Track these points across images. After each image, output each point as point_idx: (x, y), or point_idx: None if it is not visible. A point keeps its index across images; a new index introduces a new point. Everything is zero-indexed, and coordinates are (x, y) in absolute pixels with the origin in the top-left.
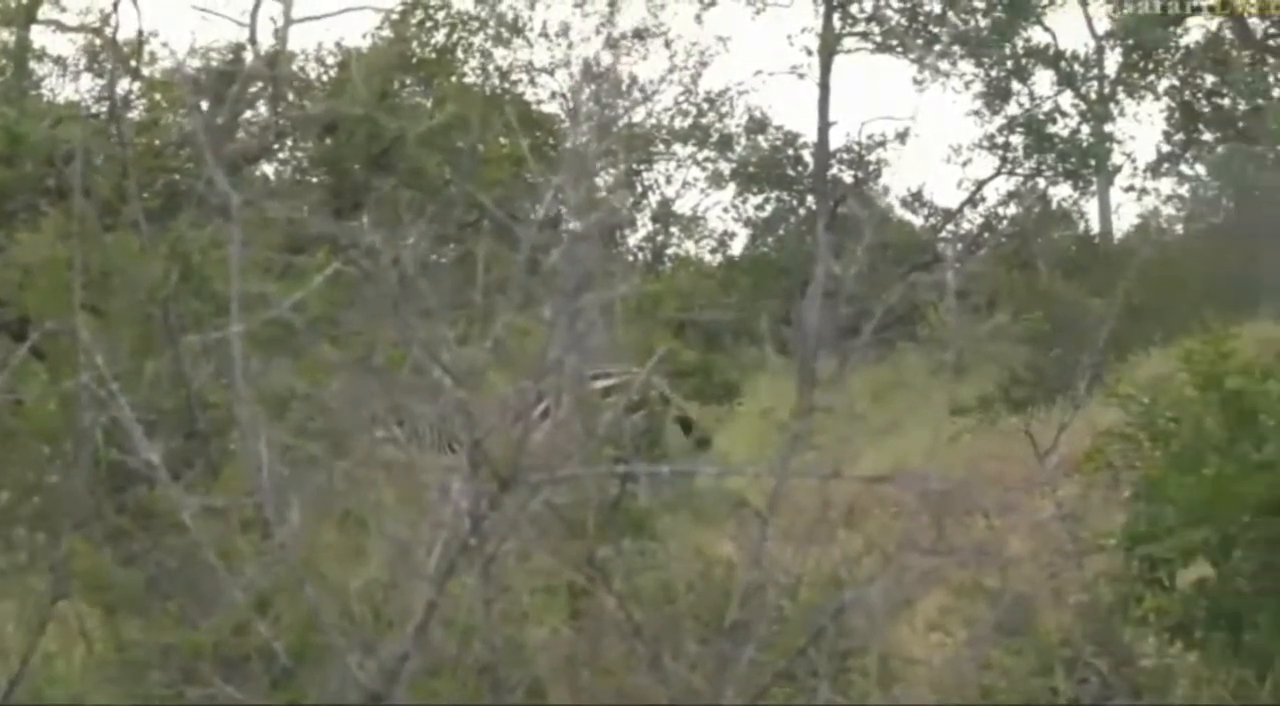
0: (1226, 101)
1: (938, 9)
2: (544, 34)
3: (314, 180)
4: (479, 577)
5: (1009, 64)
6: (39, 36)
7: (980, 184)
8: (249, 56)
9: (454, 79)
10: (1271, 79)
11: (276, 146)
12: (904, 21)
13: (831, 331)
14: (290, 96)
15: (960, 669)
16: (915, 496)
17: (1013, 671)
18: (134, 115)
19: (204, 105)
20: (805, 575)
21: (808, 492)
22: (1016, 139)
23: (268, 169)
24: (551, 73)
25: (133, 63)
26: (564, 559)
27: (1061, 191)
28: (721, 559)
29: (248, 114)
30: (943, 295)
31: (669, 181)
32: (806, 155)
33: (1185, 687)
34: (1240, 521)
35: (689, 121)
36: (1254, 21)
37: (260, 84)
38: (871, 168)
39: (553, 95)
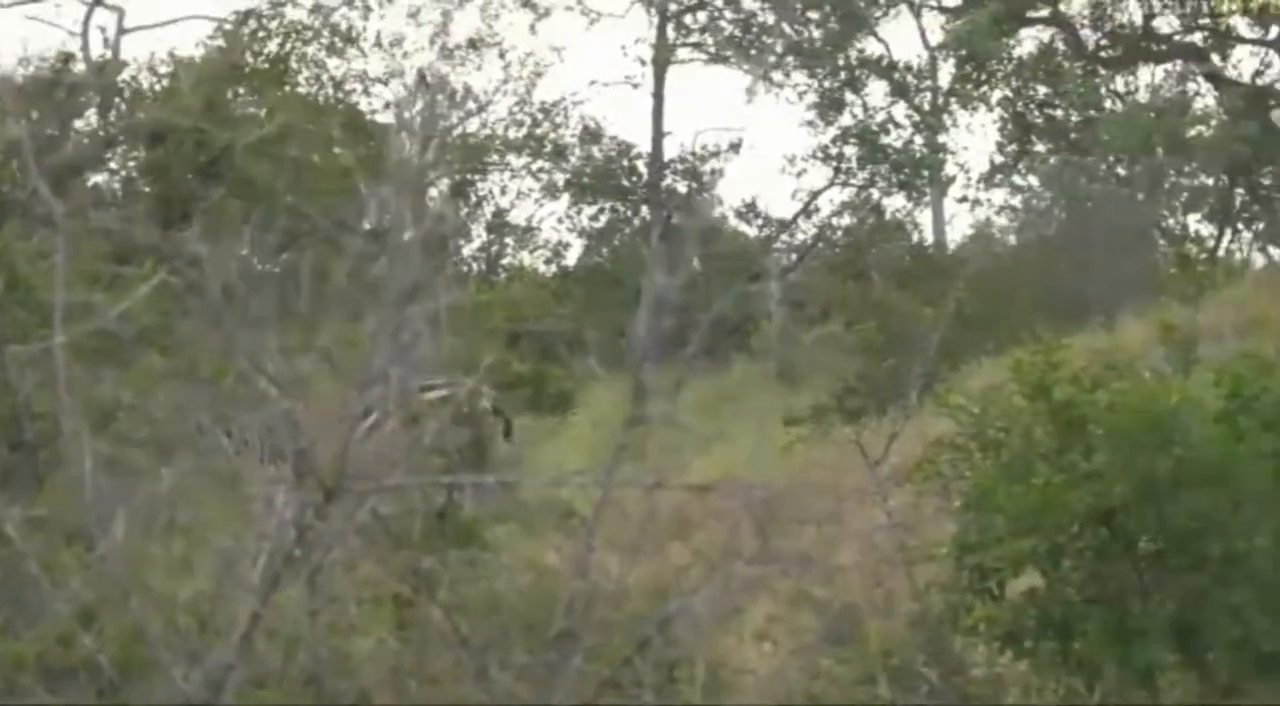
0: (1059, 112)
1: (771, 20)
2: (378, 44)
3: (144, 189)
4: (304, 588)
5: (842, 75)
6: None
7: (814, 195)
8: (79, 65)
9: (286, 89)
10: (1103, 90)
11: (107, 156)
12: (738, 33)
13: (660, 342)
14: (121, 105)
15: (787, 677)
16: (743, 506)
17: (840, 680)
18: None
19: (34, 114)
20: (632, 585)
21: (639, 503)
22: (850, 150)
23: (98, 178)
24: (385, 82)
25: None
26: (390, 569)
27: (895, 202)
28: (550, 569)
29: (79, 123)
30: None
31: (503, 192)
32: (641, 166)
33: (1015, 696)
34: (1069, 531)
35: (523, 132)
36: (1086, 33)
37: (90, 93)
38: (706, 178)
39: (386, 105)
